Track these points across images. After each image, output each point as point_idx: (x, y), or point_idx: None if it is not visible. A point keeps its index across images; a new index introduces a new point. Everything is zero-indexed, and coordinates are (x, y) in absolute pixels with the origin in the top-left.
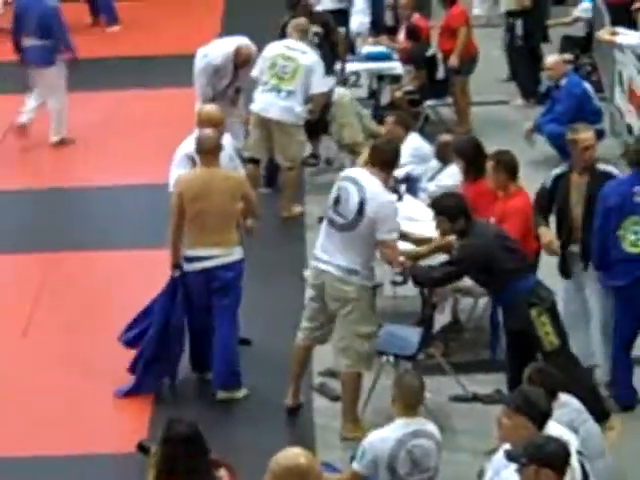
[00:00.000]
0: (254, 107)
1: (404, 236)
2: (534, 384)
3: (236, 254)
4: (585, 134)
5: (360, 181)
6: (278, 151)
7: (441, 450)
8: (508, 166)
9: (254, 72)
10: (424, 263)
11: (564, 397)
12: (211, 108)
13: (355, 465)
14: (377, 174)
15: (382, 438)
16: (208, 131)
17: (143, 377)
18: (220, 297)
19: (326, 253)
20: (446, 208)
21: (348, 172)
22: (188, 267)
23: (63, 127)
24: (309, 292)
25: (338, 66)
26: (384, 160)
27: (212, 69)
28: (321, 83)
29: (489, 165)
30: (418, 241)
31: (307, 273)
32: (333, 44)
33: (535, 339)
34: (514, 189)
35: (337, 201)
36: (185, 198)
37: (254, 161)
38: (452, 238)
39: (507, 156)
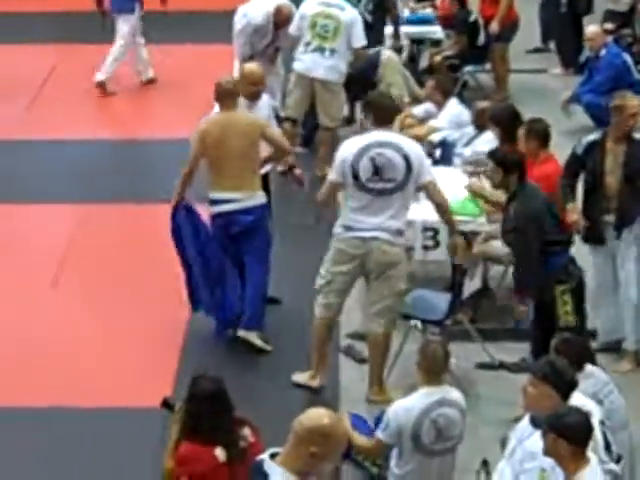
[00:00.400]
0: (298, 67)
1: None
2: (560, 354)
3: (256, 199)
4: (633, 101)
5: (390, 141)
6: (321, 110)
7: (465, 418)
8: (540, 134)
9: (292, 29)
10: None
11: (590, 368)
12: (252, 67)
13: (379, 434)
14: (390, 129)
15: (406, 408)
16: (225, 77)
17: (221, 315)
18: (246, 240)
19: (368, 221)
20: (505, 158)
21: (366, 139)
22: (212, 209)
23: (112, 71)
24: (340, 267)
25: (389, 30)
26: (389, 115)
27: (252, 29)
28: (362, 36)
29: (521, 132)
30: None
31: (338, 246)
32: (387, 10)
33: (554, 314)
34: (544, 156)
35: (377, 171)
36: (205, 142)
37: (291, 120)
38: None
39: (539, 124)
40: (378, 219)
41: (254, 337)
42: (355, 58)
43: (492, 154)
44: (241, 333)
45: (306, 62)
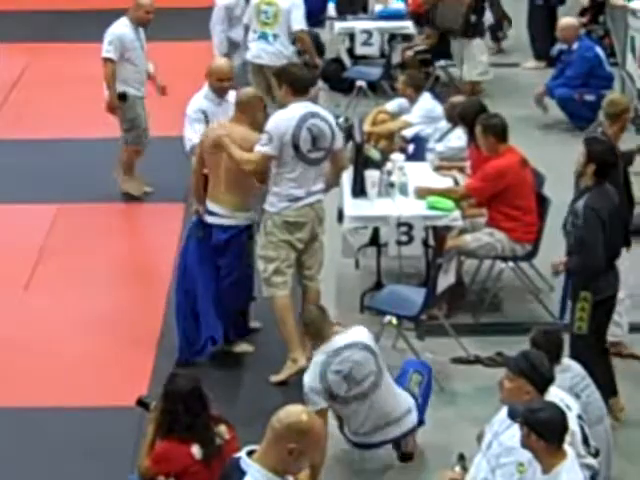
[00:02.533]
0: (249, 55)
1: None
2: (538, 347)
3: (236, 219)
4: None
5: (318, 112)
6: (276, 96)
7: (378, 358)
8: (495, 129)
9: (245, 19)
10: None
11: (567, 361)
12: (221, 63)
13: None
14: (306, 99)
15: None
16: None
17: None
18: (219, 256)
19: (309, 189)
20: (595, 150)
21: (298, 111)
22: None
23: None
24: (292, 236)
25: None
26: (306, 86)
27: (223, 11)
28: (300, 20)
29: (477, 130)
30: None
31: (288, 219)
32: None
33: (572, 314)
34: (503, 149)
35: (315, 141)
36: (202, 148)
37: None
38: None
39: (493, 120)
40: (316, 185)
41: (234, 346)
42: (301, 44)
43: (587, 140)
44: (225, 347)
45: (253, 50)
